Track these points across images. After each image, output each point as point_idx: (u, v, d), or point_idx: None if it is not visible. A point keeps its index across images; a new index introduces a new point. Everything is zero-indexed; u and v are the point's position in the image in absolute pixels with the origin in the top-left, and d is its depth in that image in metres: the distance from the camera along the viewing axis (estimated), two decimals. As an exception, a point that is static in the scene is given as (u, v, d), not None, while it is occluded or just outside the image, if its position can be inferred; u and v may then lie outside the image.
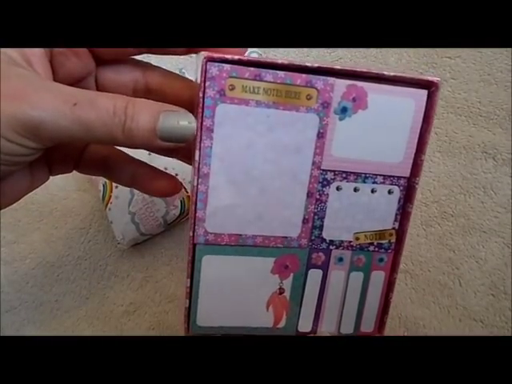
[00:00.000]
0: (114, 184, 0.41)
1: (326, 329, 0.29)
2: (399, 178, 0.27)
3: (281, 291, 0.27)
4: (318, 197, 0.26)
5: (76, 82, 0.26)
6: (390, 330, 0.40)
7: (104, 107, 0.21)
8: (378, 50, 0.43)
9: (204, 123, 0.24)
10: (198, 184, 0.25)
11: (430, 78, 0.25)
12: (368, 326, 0.29)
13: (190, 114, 0.23)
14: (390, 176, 0.27)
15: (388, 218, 0.28)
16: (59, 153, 0.28)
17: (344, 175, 0.26)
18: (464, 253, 0.40)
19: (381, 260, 0.28)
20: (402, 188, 0.27)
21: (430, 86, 0.26)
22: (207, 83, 0.23)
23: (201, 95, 0.23)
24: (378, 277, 0.29)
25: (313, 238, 0.27)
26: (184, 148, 0.24)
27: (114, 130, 0.21)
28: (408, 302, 0.40)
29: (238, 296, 0.27)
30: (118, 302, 0.43)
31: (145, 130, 0.22)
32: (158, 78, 0.27)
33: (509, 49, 0.41)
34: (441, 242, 0.40)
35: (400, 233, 0.28)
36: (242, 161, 0.25)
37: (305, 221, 0.26)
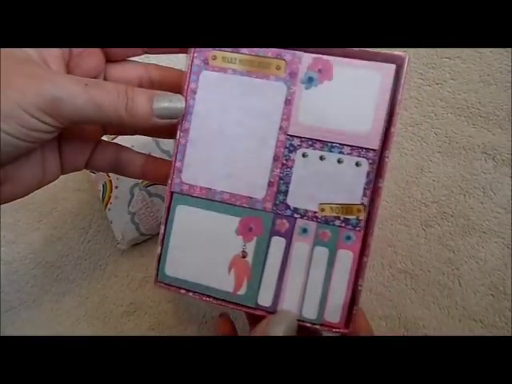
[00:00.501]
0: (114, 184, 0.41)
1: (287, 307, 0.27)
2: (368, 150, 0.26)
3: (243, 255, 0.28)
4: (284, 161, 0.27)
5: None
6: (389, 330, 0.40)
7: (109, 89, 0.25)
8: (378, 50, 0.43)
9: (190, 86, 0.28)
10: (179, 137, 0.28)
11: (396, 53, 0.26)
12: (333, 316, 0.27)
13: (179, 95, 0.27)
14: (357, 147, 0.27)
15: (356, 192, 0.27)
16: (72, 147, 0.30)
17: (310, 142, 0.27)
18: (464, 253, 0.40)
19: (348, 238, 0.27)
20: (371, 161, 0.27)
21: (397, 61, 0.26)
22: (195, 54, 0.28)
23: (189, 63, 0.28)
24: (346, 257, 0.27)
25: (277, 202, 0.27)
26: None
27: (119, 108, 0.25)
28: (408, 303, 0.40)
29: (203, 251, 0.28)
30: (118, 302, 0.43)
31: (143, 109, 0.26)
32: (159, 72, 0.31)
33: (508, 49, 0.41)
34: (440, 243, 0.40)
35: (370, 210, 0.27)
36: (218, 121, 0.28)
37: (270, 184, 0.27)
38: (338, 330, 0.27)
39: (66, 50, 0.27)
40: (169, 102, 0.26)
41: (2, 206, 0.45)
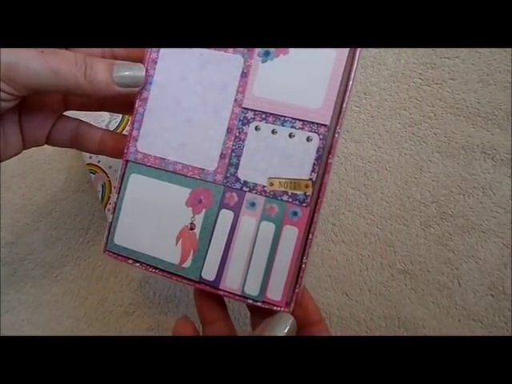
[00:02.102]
0: (113, 184, 0.41)
1: (230, 283, 0.27)
2: (319, 125, 0.26)
3: (192, 226, 0.28)
4: (237, 134, 0.27)
5: None
6: (389, 330, 0.40)
7: (66, 56, 0.25)
8: (377, 50, 0.43)
9: (151, 56, 0.28)
10: (137, 106, 0.28)
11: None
12: (275, 293, 0.27)
13: (140, 64, 0.28)
14: (309, 122, 0.26)
15: (305, 167, 0.26)
16: (33, 120, 0.30)
17: (263, 116, 0.27)
18: (463, 253, 0.40)
19: (295, 214, 0.26)
20: (321, 137, 0.26)
21: None
22: None
23: None
24: (291, 233, 0.26)
25: (228, 175, 0.27)
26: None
27: (77, 75, 0.25)
28: (407, 303, 0.40)
29: (153, 222, 0.28)
30: (117, 303, 0.43)
31: (103, 76, 0.26)
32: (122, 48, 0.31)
33: (508, 49, 0.42)
34: (440, 243, 0.40)
35: (318, 186, 0.26)
36: (176, 91, 0.28)
37: (222, 156, 0.27)
38: (278, 307, 0.26)
39: None
40: (129, 70, 0.27)
41: (1, 207, 0.45)
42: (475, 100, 0.42)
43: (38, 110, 0.30)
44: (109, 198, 0.41)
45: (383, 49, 0.44)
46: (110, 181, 0.41)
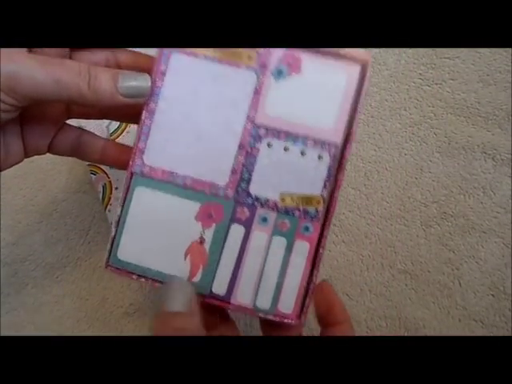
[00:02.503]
0: (114, 185, 0.41)
1: (241, 298, 0.27)
2: (330, 144, 0.27)
3: (201, 240, 0.28)
4: (249, 150, 0.28)
5: None
6: (390, 331, 0.40)
7: (70, 66, 0.25)
8: (377, 51, 0.43)
9: (159, 67, 0.27)
10: (144, 118, 0.28)
11: (363, 55, 0.27)
12: (287, 307, 0.27)
13: (146, 74, 0.27)
14: (320, 141, 0.27)
15: (316, 184, 0.27)
16: (34, 130, 0.30)
17: (276, 133, 0.27)
18: (464, 253, 0.40)
19: (306, 229, 0.27)
20: (332, 156, 0.27)
21: (363, 62, 0.27)
22: None
23: None
24: (302, 247, 0.28)
25: (239, 190, 0.28)
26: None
27: (81, 85, 0.25)
28: (408, 303, 0.40)
29: (160, 236, 0.28)
30: (118, 304, 0.43)
31: (107, 87, 0.25)
32: (128, 56, 0.30)
33: (508, 49, 0.42)
34: (440, 243, 0.40)
35: (329, 202, 0.27)
36: (186, 104, 0.28)
37: (233, 171, 0.28)
38: (289, 320, 0.27)
39: None
40: (134, 81, 0.26)
41: (2, 207, 0.45)
42: (475, 100, 0.42)
43: (40, 120, 0.30)
44: (109, 198, 0.41)
45: (383, 49, 0.44)
46: (110, 182, 0.41)
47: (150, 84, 0.27)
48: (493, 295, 0.39)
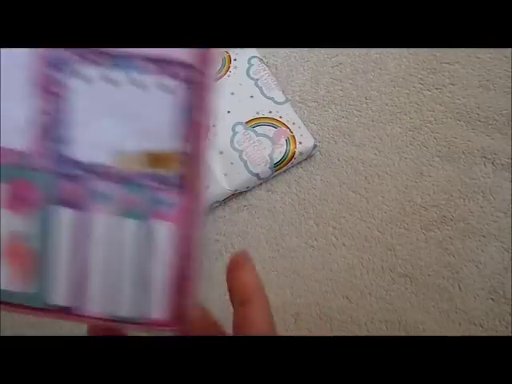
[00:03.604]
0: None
1: (92, 306, 0.20)
2: (181, 65, 0.18)
3: (16, 236, 0.19)
4: (51, 89, 0.18)
5: None
6: (390, 334, 0.40)
7: None
8: (378, 55, 0.44)
9: None
10: None
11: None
12: (157, 311, 0.20)
13: None
14: (163, 61, 0.18)
15: (166, 133, 0.18)
16: None
17: (92, 56, 0.18)
18: (463, 257, 0.40)
19: (163, 202, 0.19)
20: (187, 85, 0.18)
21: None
22: None
23: None
24: (161, 229, 0.19)
25: (54, 155, 0.19)
26: None
27: None
28: (408, 307, 0.40)
29: None
30: (118, 305, 0.43)
31: None
32: None
33: (508, 55, 0.42)
34: (440, 247, 0.40)
35: (192, 160, 0.18)
36: None
37: (34, 125, 0.18)
38: (165, 328, 0.21)
39: None
40: None
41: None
42: (475, 105, 0.42)
43: None
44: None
45: (384, 54, 0.44)
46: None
47: None
48: (493, 299, 0.39)
